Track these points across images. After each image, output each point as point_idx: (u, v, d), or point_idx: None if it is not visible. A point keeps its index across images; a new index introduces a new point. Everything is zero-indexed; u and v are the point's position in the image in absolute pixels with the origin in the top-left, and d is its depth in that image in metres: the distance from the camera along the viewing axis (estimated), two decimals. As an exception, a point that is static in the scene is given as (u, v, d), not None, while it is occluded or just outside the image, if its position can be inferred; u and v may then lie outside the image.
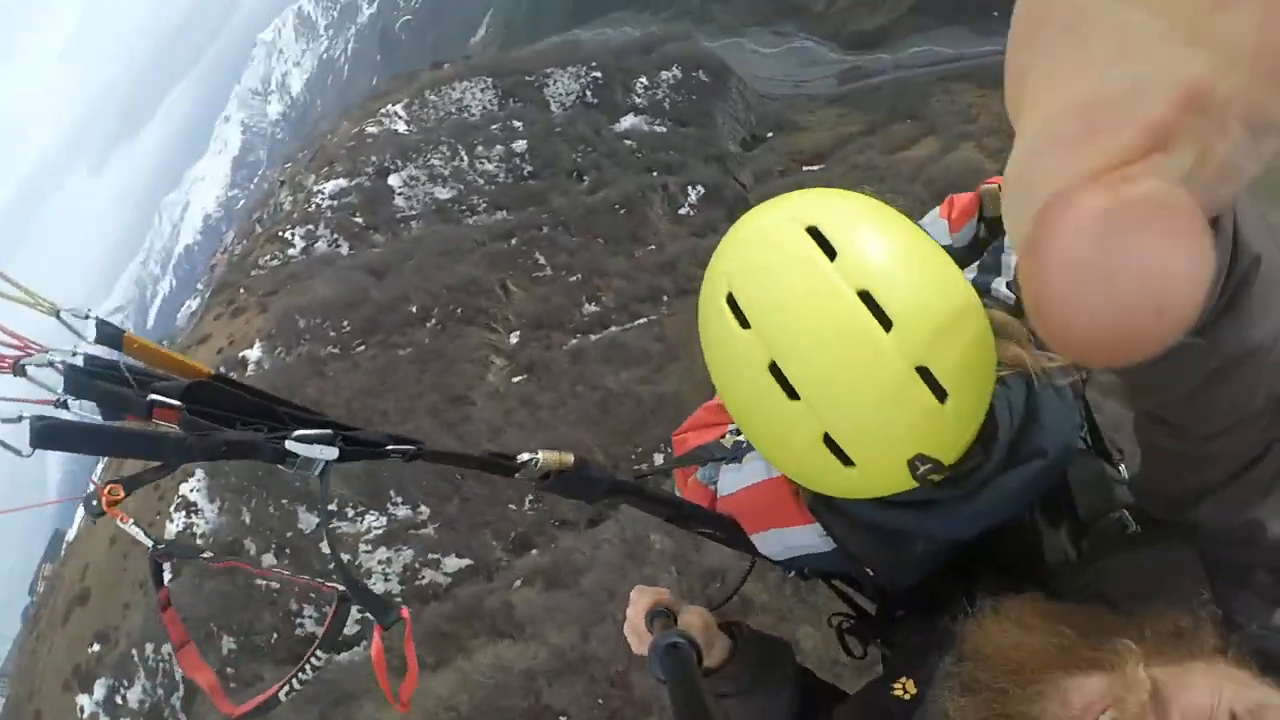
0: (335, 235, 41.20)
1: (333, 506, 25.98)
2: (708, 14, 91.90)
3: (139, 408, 0.98)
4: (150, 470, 1.03)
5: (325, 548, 24.37)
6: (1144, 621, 0.94)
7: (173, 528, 25.57)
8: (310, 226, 42.07)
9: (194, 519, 26.09)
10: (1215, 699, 0.80)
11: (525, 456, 1.23)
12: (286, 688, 1.18)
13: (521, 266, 29.93)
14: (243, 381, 1.14)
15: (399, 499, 25.40)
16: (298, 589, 23.42)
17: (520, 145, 37.50)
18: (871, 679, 1.30)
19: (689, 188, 31.28)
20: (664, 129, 37.36)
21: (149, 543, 1.14)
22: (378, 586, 23.74)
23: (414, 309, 30.46)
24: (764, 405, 1.01)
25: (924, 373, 0.93)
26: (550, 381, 25.28)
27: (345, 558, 25.01)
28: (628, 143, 36.11)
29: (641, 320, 25.84)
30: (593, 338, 26.22)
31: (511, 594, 19.64)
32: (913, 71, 50.68)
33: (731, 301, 1.02)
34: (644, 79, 40.30)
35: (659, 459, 21.73)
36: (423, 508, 25.13)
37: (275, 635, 23.09)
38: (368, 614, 1.20)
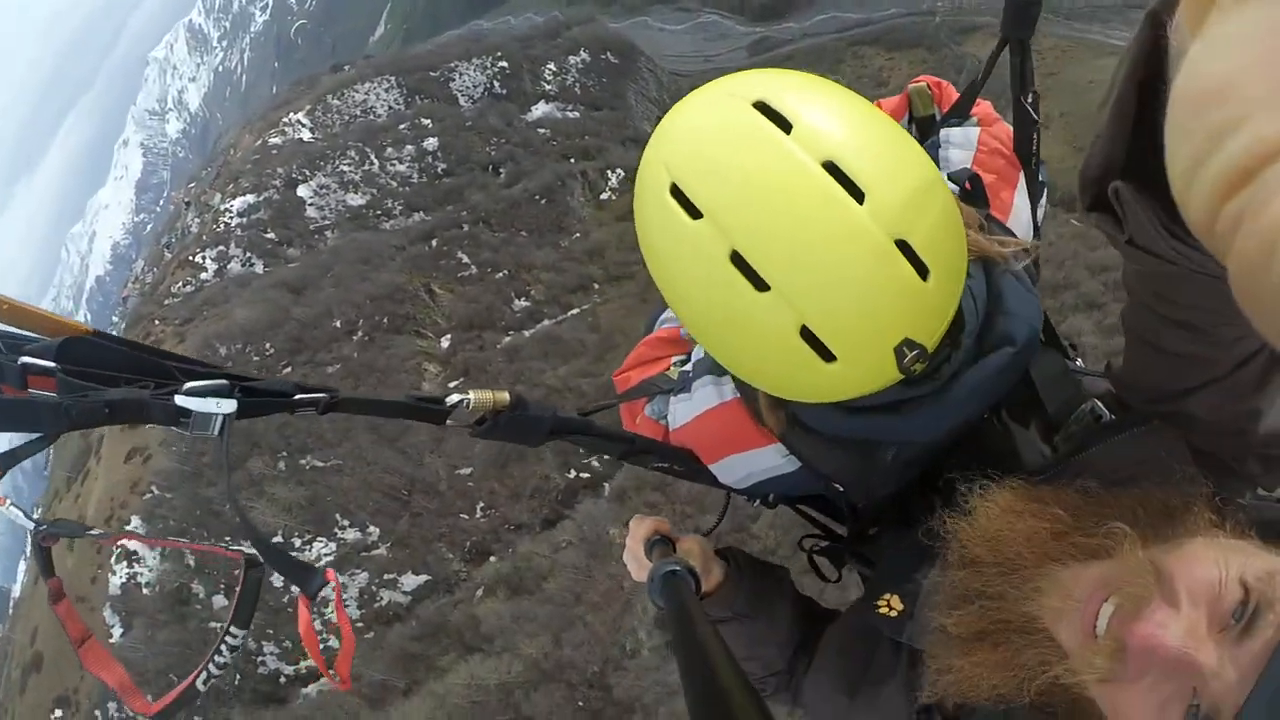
0: (248, 254, 39.67)
1: (278, 538, 25.13)
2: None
3: (11, 375, 0.90)
4: (28, 444, 0.96)
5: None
6: (1134, 503, 0.93)
7: (116, 580, 24.60)
8: (221, 247, 40.43)
9: (137, 568, 25.10)
10: (1222, 571, 0.78)
11: (455, 398, 1.13)
12: (204, 675, 1.06)
13: (445, 268, 29.13)
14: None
15: (345, 522, 24.64)
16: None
17: (431, 143, 36.51)
18: (856, 600, 1.30)
19: (608, 172, 30.86)
20: (577, 114, 36.81)
21: (30, 524, 1.05)
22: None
23: (338, 323, 29.47)
24: (729, 304, 0.90)
25: (903, 246, 0.85)
26: (488, 383, 24.60)
27: (296, 590, 24.24)
28: (541, 131, 35.46)
29: (574, 311, 25.33)
30: (526, 333, 25.66)
31: (476, 606, 19.20)
32: (820, 39, 51.03)
33: (677, 193, 0.91)
34: (552, 65, 39.67)
35: (609, 449, 21.47)
36: (371, 528, 24.36)
37: (239, 676, 22.39)
38: (291, 583, 1.07)
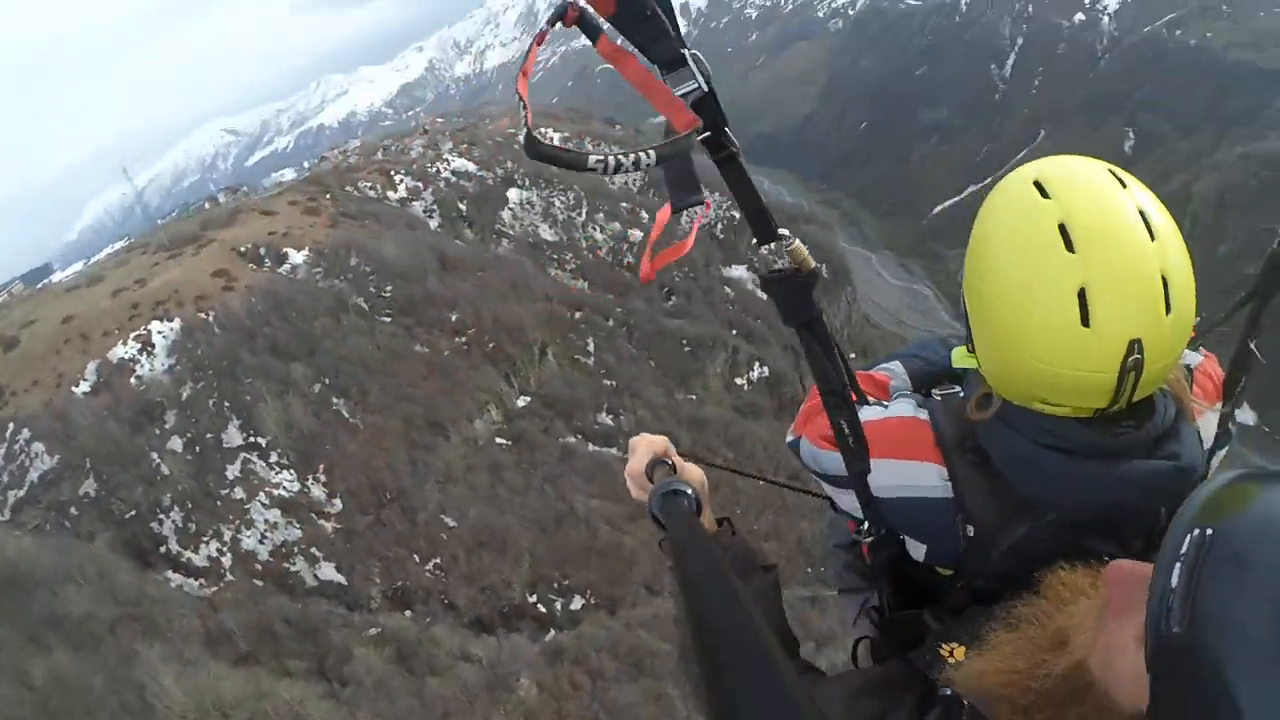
0: (434, 206, 41.65)
1: (262, 440, 25.16)
2: (855, 217, 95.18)
3: None
4: None
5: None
6: None
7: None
8: (420, 184, 42.61)
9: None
10: None
11: (785, 232, 1.23)
12: (600, 159, 0.95)
13: (570, 342, 29.37)
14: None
15: (323, 478, 24.36)
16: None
17: (635, 235, 37.79)
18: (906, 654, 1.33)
19: (756, 364, 30.85)
20: (765, 296, 37.54)
21: None
22: (250, 540, 22.59)
23: (454, 317, 30.12)
24: (1039, 258, 1.17)
25: (1165, 282, 1.15)
26: (528, 464, 24.22)
27: (239, 495, 24.00)
28: (727, 290, 36.10)
29: (639, 459, 24.87)
30: (590, 447, 25.24)
31: (360, 642, 18.21)
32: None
33: (1038, 186, 1.22)
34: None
35: (578, 602, 20.50)
36: (337, 501, 23.97)
37: (134, 512, 22.30)
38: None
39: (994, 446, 1.33)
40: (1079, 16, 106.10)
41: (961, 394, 1.48)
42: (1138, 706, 0.81)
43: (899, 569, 1.58)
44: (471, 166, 43.99)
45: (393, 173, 43.72)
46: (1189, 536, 0.76)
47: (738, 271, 38.14)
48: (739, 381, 30.52)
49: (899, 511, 1.44)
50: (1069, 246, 1.15)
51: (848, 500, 1.51)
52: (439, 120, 76.01)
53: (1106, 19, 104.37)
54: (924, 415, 1.44)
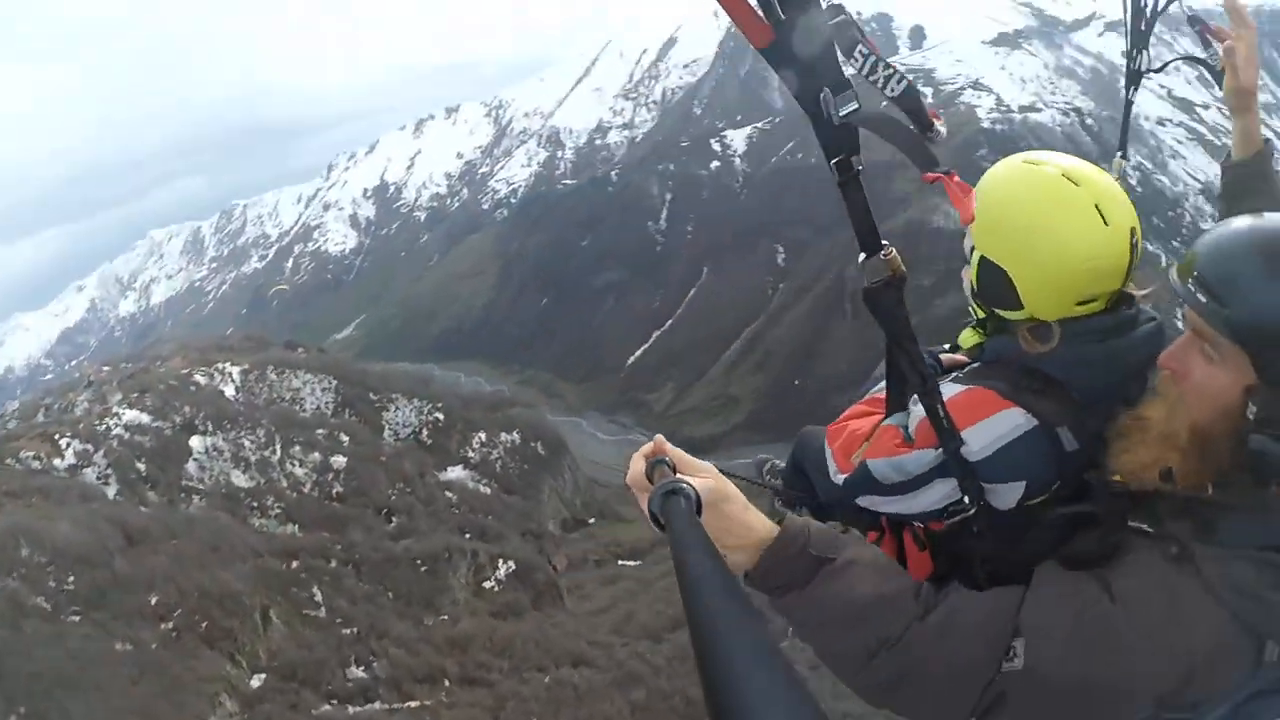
0: (109, 471, 36.94)
1: None
2: (555, 389, 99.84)
3: None
4: None
5: None
6: None
7: None
8: (89, 447, 37.56)
9: None
10: None
11: (886, 243, 1.46)
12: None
13: (294, 597, 26.95)
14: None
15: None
16: None
17: (339, 461, 36.30)
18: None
19: (500, 561, 30.51)
20: (489, 491, 37.40)
21: None
22: None
23: (154, 600, 26.62)
24: (1073, 210, 1.66)
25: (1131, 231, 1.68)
26: (274, 778, 21.39)
27: None
28: (449, 495, 35.62)
29: (413, 704, 22.84)
30: (350, 710, 22.98)
31: None
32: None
33: (1067, 177, 1.69)
34: (483, 434, 41.00)
35: None
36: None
37: None
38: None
39: (1055, 365, 1.71)
40: (715, 164, 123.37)
41: (966, 371, 1.86)
42: (1247, 381, 1.27)
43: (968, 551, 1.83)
44: (145, 418, 40.04)
45: (57, 437, 38.29)
46: (1187, 284, 1.33)
47: (455, 472, 38.10)
48: (487, 585, 29.93)
49: (1000, 462, 1.67)
50: (1074, 183, 1.69)
51: (928, 496, 1.77)
52: (104, 369, 68.08)
53: (738, 160, 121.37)
54: (971, 384, 1.74)
